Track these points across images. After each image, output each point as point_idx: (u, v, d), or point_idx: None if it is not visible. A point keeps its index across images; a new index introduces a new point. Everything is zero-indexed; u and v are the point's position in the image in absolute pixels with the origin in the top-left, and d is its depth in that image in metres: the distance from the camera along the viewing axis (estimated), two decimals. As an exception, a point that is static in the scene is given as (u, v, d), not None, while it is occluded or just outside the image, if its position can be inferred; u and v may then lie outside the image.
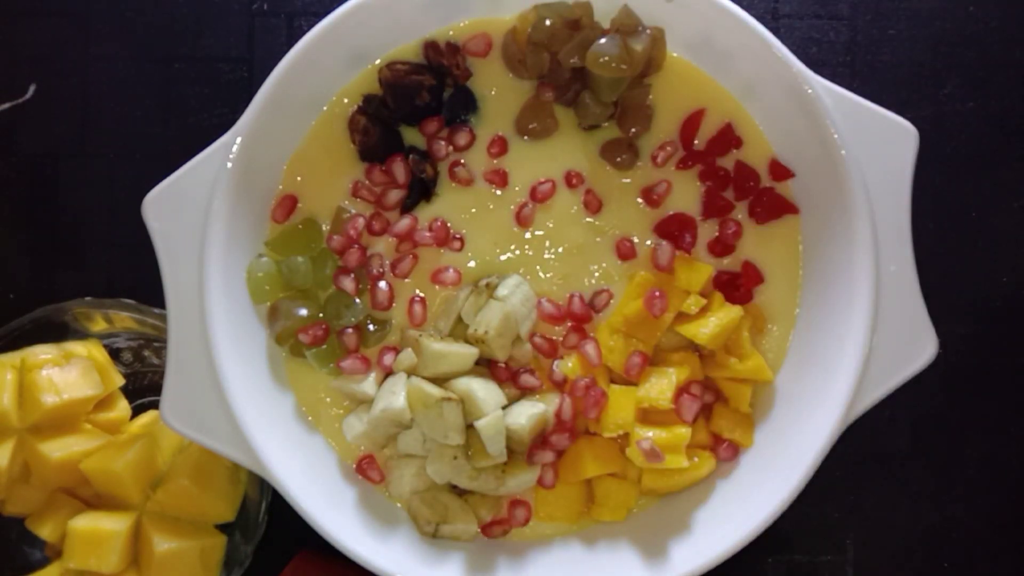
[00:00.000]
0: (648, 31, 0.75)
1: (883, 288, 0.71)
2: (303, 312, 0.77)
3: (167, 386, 0.72)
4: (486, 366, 0.77)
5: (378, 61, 0.78)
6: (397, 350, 0.77)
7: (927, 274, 0.72)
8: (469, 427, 0.74)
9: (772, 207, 0.78)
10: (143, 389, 0.91)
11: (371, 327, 0.78)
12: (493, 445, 0.72)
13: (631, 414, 0.73)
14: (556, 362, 0.77)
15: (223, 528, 0.85)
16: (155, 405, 0.88)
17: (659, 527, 0.76)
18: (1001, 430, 0.91)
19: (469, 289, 0.77)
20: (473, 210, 0.79)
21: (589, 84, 0.77)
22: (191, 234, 0.73)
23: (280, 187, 0.79)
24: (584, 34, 0.75)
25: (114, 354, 0.90)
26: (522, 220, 0.78)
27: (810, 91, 0.72)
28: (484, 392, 0.73)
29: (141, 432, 0.85)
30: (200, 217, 0.73)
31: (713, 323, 0.74)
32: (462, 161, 0.79)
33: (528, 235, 0.79)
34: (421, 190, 0.78)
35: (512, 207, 0.78)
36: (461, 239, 0.78)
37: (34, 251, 0.93)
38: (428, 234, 0.77)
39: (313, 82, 0.76)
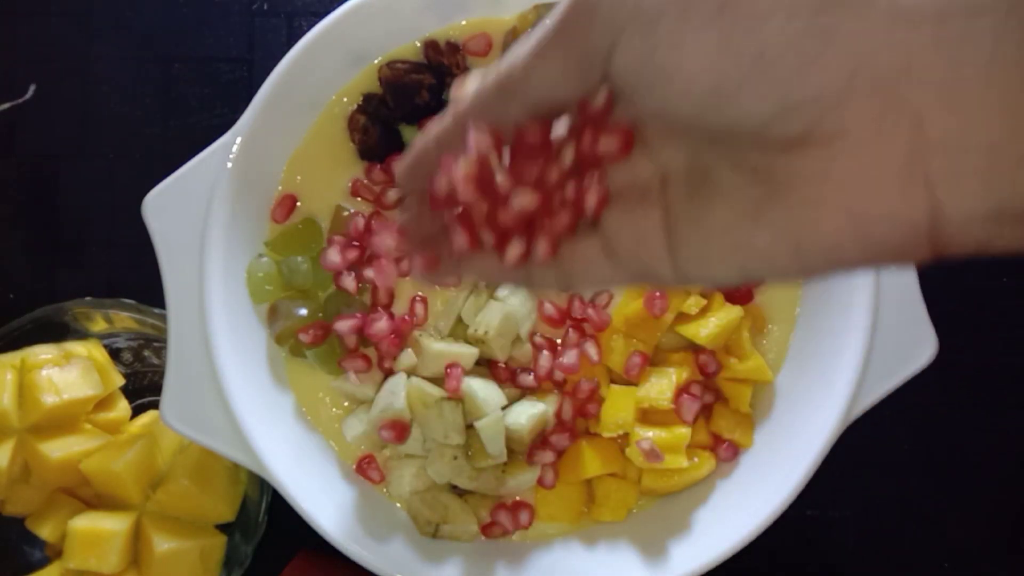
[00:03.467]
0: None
1: (883, 288, 0.71)
2: (303, 312, 0.77)
3: (167, 386, 0.72)
4: (486, 366, 0.77)
5: (378, 60, 0.78)
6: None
7: (927, 274, 0.72)
8: (469, 427, 0.74)
9: (772, 207, 0.78)
10: (143, 389, 0.91)
11: (371, 327, 0.78)
12: (493, 445, 0.72)
13: (631, 414, 0.73)
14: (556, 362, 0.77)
15: (223, 528, 0.85)
16: (155, 405, 0.88)
17: (659, 527, 0.76)
18: (1001, 430, 0.91)
19: (469, 289, 0.77)
20: (473, 210, 0.79)
21: (589, 84, 0.77)
22: (191, 234, 0.73)
23: (280, 187, 0.79)
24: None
25: (114, 354, 0.90)
26: (522, 220, 0.78)
27: (810, 91, 0.72)
28: (484, 392, 0.73)
29: (141, 432, 0.85)
30: (200, 217, 0.73)
31: (713, 323, 0.74)
32: (462, 161, 0.79)
33: (528, 235, 0.78)
34: (421, 190, 0.78)
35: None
36: (461, 239, 0.78)
37: (34, 251, 0.93)
38: (428, 234, 0.77)
39: (313, 82, 0.76)
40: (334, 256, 0.75)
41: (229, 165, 0.73)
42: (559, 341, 0.78)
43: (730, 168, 0.36)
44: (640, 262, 0.40)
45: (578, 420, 0.77)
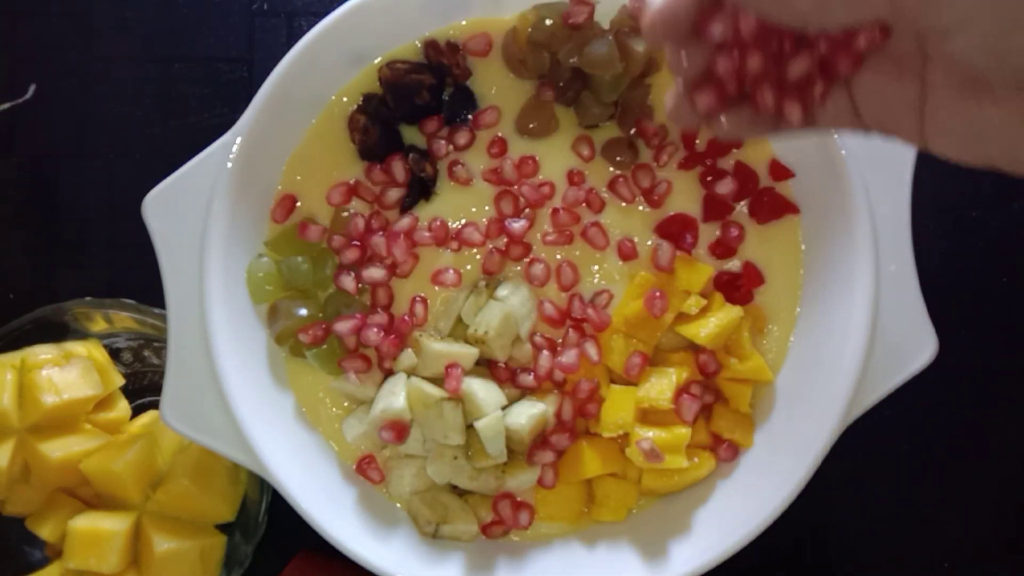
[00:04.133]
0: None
1: (883, 288, 0.71)
2: (303, 312, 0.77)
3: (167, 386, 0.72)
4: (486, 366, 0.77)
5: (378, 60, 0.78)
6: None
7: (927, 274, 0.72)
8: (469, 427, 0.74)
9: (772, 207, 0.78)
10: (143, 389, 0.91)
11: (371, 327, 0.78)
12: (493, 445, 0.72)
13: (631, 414, 0.73)
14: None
15: (223, 528, 0.85)
16: (155, 405, 0.88)
17: (659, 527, 0.76)
18: (1001, 430, 0.91)
19: (469, 289, 0.77)
20: (473, 209, 0.79)
21: (589, 84, 0.77)
22: (191, 234, 0.73)
23: (280, 187, 0.78)
24: (584, 34, 0.75)
25: (114, 354, 0.90)
26: (522, 220, 0.78)
27: (810, 91, 0.72)
28: (484, 392, 0.73)
29: (141, 432, 0.85)
30: (200, 217, 0.73)
31: (713, 323, 0.74)
32: (461, 161, 0.79)
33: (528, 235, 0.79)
34: (421, 189, 0.78)
35: (512, 207, 0.78)
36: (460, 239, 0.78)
37: (34, 251, 0.93)
38: (427, 234, 0.77)
39: (313, 82, 0.76)
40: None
41: (229, 165, 0.73)
42: (559, 341, 0.78)
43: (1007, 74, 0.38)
44: (884, 128, 0.43)
45: (578, 420, 0.77)
